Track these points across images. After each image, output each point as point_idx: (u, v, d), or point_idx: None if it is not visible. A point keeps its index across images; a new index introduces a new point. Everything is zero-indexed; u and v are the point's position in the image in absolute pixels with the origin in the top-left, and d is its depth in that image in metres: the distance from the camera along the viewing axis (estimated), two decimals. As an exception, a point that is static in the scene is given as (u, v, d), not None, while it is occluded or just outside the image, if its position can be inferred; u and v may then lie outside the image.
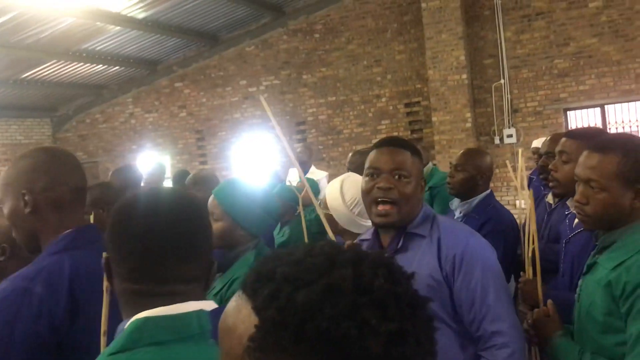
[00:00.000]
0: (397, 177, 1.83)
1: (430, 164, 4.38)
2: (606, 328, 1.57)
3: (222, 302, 1.77)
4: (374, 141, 9.19)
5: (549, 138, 3.17)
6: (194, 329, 1.04)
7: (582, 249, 2.09)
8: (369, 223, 2.08)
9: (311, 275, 0.62)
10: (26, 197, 1.55)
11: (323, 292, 0.60)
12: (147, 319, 1.02)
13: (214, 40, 10.82)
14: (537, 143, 6.11)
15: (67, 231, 1.58)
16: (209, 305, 1.09)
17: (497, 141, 9.06)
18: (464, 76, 8.92)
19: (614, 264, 1.58)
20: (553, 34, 8.84)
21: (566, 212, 2.42)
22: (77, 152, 11.89)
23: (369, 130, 9.94)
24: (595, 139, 1.81)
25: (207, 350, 1.02)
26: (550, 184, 2.47)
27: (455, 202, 3.16)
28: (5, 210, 1.63)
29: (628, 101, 8.63)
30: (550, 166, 2.48)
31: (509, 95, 9.00)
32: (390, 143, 1.93)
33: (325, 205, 2.38)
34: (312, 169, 6.07)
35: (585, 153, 1.69)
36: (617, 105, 8.78)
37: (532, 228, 1.99)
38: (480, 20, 9.21)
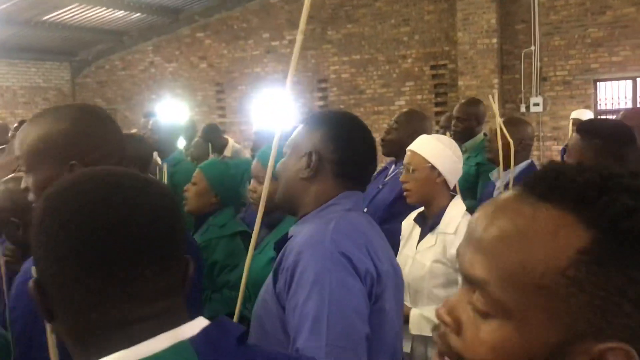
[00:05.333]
0: None
1: (481, 134, 3.98)
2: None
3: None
4: (397, 103, 8.99)
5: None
6: None
7: None
8: None
9: None
10: (75, 170, 1.24)
11: None
12: None
13: (238, -9, 10.59)
14: (577, 114, 5.93)
15: None
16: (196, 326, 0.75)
17: (522, 109, 8.86)
18: (494, 40, 8.69)
19: None
20: (589, 1, 8.54)
21: None
22: (96, 98, 11.83)
23: (392, 91, 9.75)
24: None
25: None
26: None
27: (495, 173, 3.09)
28: (33, 180, 1.31)
29: (662, 75, 8.40)
30: None
31: (538, 63, 8.77)
32: None
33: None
34: (231, 142, 5.60)
35: None
36: (650, 79, 8.54)
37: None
38: (514, -17, 8.92)
